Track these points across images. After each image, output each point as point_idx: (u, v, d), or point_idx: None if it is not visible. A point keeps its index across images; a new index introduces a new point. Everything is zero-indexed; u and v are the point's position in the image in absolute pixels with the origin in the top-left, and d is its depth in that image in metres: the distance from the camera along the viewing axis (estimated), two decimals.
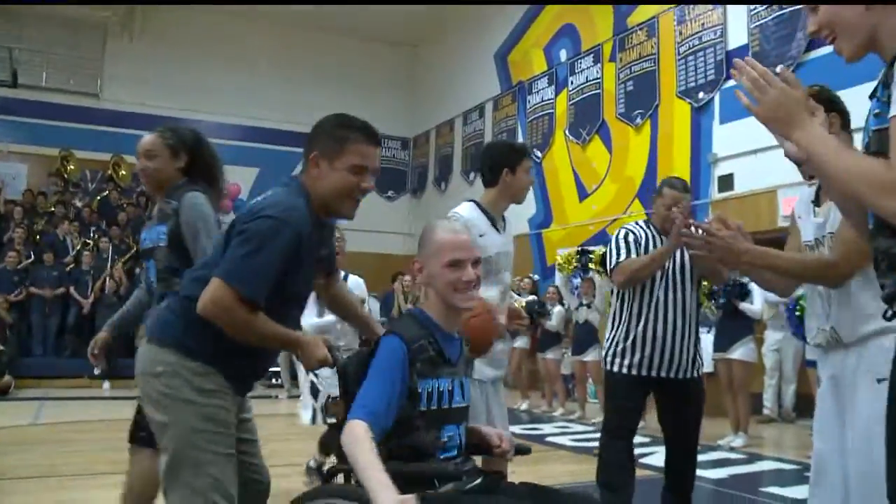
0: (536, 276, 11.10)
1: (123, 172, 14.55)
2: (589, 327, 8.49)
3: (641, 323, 3.63)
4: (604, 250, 8.99)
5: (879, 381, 2.06)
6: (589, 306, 8.51)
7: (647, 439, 5.99)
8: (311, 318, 4.68)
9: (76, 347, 11.05)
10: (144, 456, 2.82)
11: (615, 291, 3.86)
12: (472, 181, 14.10)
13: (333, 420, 2.16)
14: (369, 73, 16.46)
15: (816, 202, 2.35)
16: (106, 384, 10.53)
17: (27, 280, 11.63)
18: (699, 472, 4.09)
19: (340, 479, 2.06)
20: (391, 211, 16.47)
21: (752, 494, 4.85)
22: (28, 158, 14.70)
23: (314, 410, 4.82)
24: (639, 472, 3.79)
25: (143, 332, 2.77)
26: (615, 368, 3.67)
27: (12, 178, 14.24)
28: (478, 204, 3.18)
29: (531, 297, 9.70)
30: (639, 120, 10.84)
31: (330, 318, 4.58)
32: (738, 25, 9.37)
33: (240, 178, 16.04)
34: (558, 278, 10.54)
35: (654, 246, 3.71)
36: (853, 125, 2.34)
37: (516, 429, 6.46)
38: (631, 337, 3.64)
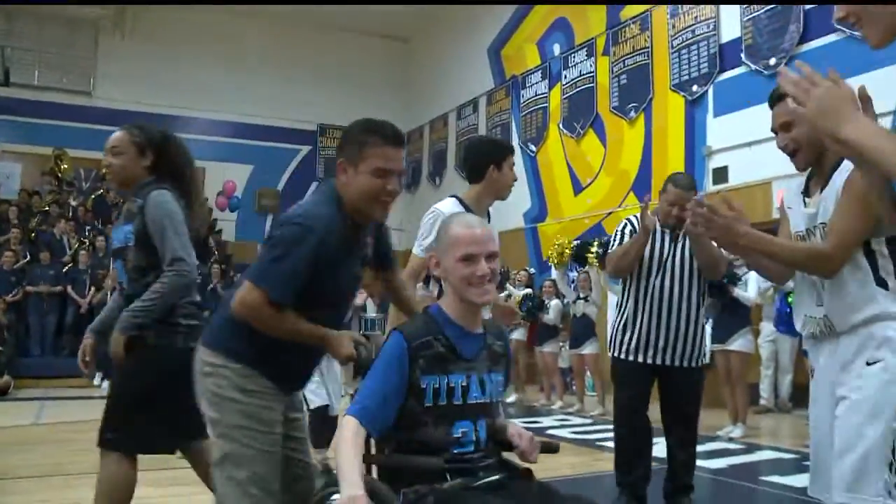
0: (532, 270, 11.15)
1: None
2: (587, 321, 8.54)
3: (637, 311, 3.85)
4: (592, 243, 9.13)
5: (869, 363, 2.11)
6: (586, 300, 8.55)
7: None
8: None
9: (74, 347, 10.88)
10: (112, 460, 2.81)
11: (620, 281, 4.05)
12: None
13: None
14: (363, 68, 16.47)
15: (806, 192, 2.37)
16: (105, 383, 10.53)
17: (24, 280, 11.62)
18: (699, 463, 4.17)
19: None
20: None
21: (753, 483, 4.92)
22: (22, 158, 14.68)
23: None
24: None
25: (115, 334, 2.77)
26: (616, 353, 3.94)
27: (6, 178, 14.23)
28: (460, 200, 3.19)
29: (527, 290, 9.75)
30: (633, 113, 10.88)
31: None
32: (730, 19, 9.42)
33: (234, 175, 16.10)
34: (555, 272, 10.59)
35: (654, 238, 3.85)
36: None
37: (515, 422, 6.49)
38: (628, 323, 3.88)
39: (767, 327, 8.14)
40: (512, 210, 12.16)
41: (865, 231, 2.14)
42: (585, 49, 11.98)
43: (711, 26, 9.65)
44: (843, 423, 2.14)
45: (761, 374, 8.31)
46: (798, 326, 2.36)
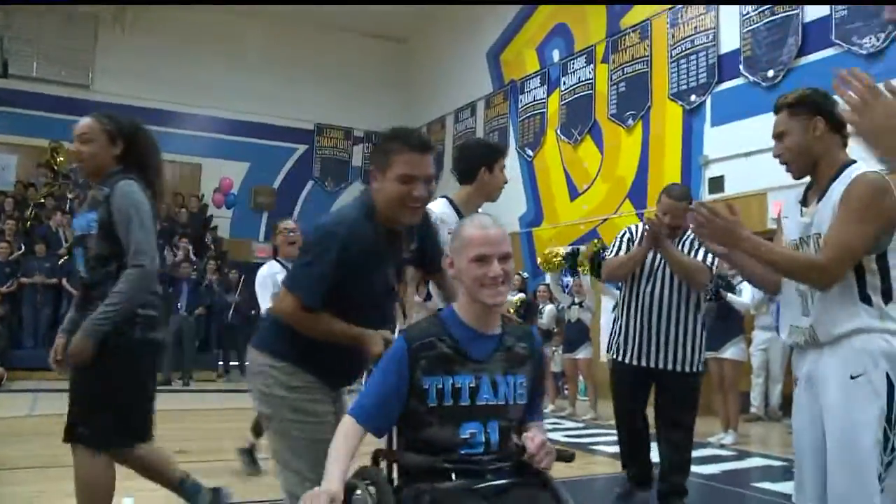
0: (526, 274, 11.20)
1: None
2: (581, 326, 8.59)
3: (630, 316, 4.04)
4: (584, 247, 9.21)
5: (853, 377, 2.15)
6: (581, 305, 8.61)
7: None
8: (269, 301, 4.89)
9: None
10: (85, 455, 2.80)
11: (619, 286, 4.28)
12: None
13: None
14: (361, 69, 16.49)
15: (804, 202, 2.40)
16: None
17: (19, 272, 11.58)
18: (692, 469, 4.24)
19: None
20: None
21: (744, 489, 4.99)
22: (18, 149, 14.63)
23: None
24: None
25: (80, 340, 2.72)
26: (613, 356, 4.15)
27: (1, 169, 14.19)
28: (450, 200, 3.24)
29: (520, 294, 9.79)
30: (630, 121, 10.95)
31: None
32: (730, 30, 9.50)
33: (231, 172, 16.10)
34: (549, 277, 10.65)
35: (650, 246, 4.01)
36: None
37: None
38: (622, 327, 4.08)
39: (759, 336, 8.21)
40: (507, 214, 12.19)
41: (863, 246, 2.16)
42: (585, 56, 12.05)
43: (711, 37, 9.73)
44: (830, 437, 2.17)
45: (752, 383, 8.38)
46: (783, 335, 2.40)
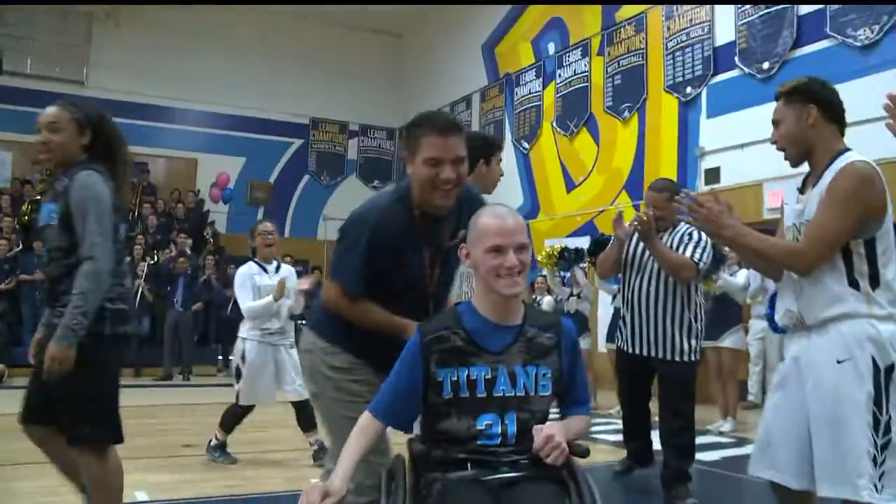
0: None
1: None
2: (580, 316, 8.62)
3: (624, 306, 4.31)
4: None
5: (840, 361, 2.21)
6: (579, 296, 8.66)
7: None
8: (248, 301, 5.01)
9: None
10: (93, 456, 2.76)
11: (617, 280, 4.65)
12: None
13: None
14: (356, 63, 16.47)
15: (802, 190, 2.45)
16: None
17: (17, 269, 11.58)
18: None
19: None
20: None
21: (744, 475, 5.02)
22: (13, 146, 14.57)
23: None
24: None
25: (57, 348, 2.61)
26: (616, 344, 4.49)
27: None
28: None
29: None
30: (626, 113, 11.00)
31: (264, 301, 4.97)
32: (725, 22, 9.55)
33: (227, 167, 16.07)
34: (546, 270, 10.69)
35: (633, 241, 4.27)
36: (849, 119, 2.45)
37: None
38: (620, 317, 4.41)
39: (757, 325, 8.28)
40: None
41: (844, 231, 2.21)
42: (580, 49, 12.08)
43: (706, 29, 9.78)
44: (819, 419, 2.22)
45: (749, 371, 8.45)
46: (778, 318, 2.47)
